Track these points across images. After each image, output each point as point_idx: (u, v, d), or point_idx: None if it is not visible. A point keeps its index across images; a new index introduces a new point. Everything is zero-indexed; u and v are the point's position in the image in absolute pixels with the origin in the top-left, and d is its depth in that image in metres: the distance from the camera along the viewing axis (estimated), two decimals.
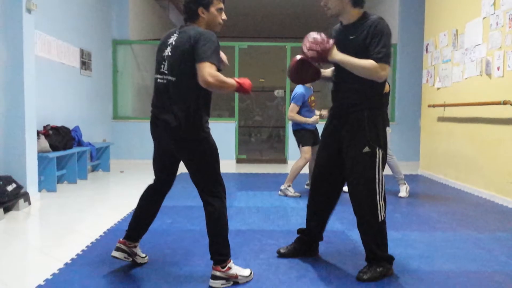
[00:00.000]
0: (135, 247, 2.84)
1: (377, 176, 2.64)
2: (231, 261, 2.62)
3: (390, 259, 2.74)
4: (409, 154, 8.03)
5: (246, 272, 2.66)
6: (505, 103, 4.78)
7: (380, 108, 2.73)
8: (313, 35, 2.61)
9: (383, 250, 2.71)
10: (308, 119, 5.17)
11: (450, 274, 2.81)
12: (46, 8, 5.67)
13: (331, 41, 2.59)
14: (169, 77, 2.52)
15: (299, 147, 5.32)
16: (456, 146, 6.13)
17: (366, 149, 2.63)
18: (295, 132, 5.37)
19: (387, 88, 5.10)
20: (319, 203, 2.99)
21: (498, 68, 5.05)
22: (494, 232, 3.79)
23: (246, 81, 2.59)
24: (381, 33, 2.56)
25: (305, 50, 2.63)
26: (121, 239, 2.81)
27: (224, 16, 2.66)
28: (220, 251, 2.58)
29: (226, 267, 2.57)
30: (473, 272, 2.85)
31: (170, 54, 2.53)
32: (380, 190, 2.66)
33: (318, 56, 2.60)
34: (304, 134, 5.25)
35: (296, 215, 4.31)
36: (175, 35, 2.57)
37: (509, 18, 4.85)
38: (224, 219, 2.59)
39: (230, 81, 2.48)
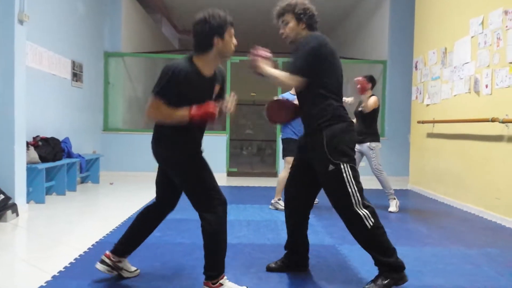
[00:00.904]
0: (120, 262, 2.80)
1: (349, 189, 2.66)
2: (225, 277, 2.57)
3: (399, 266, 2.69)
4: (399, 169, 8.07)
5: None
6: (493, 120, 4.85)
7: (338, 124, 2.72)
8: (255, 50, 2.75)
9: (387, 255, 2.67)
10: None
11: None
12: (38, 19, 5.67)
13: (265, 58, 2.72)
14: None
15: (283, 157, 5.34)
16: (445, 162, 6.18)
17: (331, 167, 2.68)
18: (282, 141, 5.39)
19: (376, 103, 5.15)
20: (293, 216, 3.02)
21: (486, 86, 5.13)
22: (483, 247, 3.82)
23: (204, 110, 2.43)
24: (302, 46, 2.71)
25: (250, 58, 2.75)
26: (107, 252, 2.78)
27: (235, 41, 2.60)
28: (212, 267, 2.53)
29: (217, 284, 2.52)
30: None
31: None
32: (357, 200, 2.66)
33: (251, 65, 2.73)
34: (289, 144, 5.26)
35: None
36: None
37: (497, 37, 4.95)
38: (220, 235, 2.54)
39: (178, 114, 2.43)
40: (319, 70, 2.68)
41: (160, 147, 2.60)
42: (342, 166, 2.67)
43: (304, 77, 2.67)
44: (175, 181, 2.64)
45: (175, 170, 2.60)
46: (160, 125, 2.58)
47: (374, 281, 2.69)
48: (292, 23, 2.82)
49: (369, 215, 2.66)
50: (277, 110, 3.00)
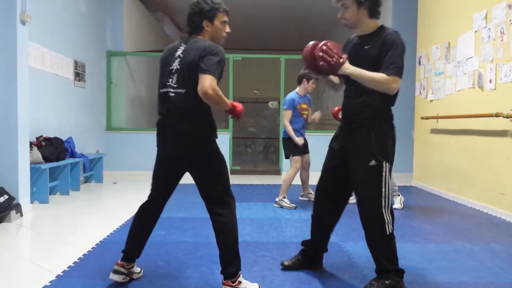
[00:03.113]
0: (132, 267, 2.79)
1: (383, 190, 2.62)
2: (241, 275, 2.58)
3: (401, 272, 2.70)
4: (403, 166, 8.03)
5: (254, 286, 2.61)
6: (497, 115, 4.82)
7: (388, 122, 2.73)
8: (329, 46, 2.55)
9: (393, 263, 2.67)
10: (295, 138, 5.23)
11: (444, 285, 2.81)
12: (40, 19, 5.67)
13: (345, 56, 2.57)
14: (179, 90, 2.50)
15: (288, 156, 5.35)
16: (449, 158, 6.16)
17: (373, 162, 2.61)
18: (285, 140, 5.42)
19: None
20: (324, 213, 2.97)
21: (490, 81, 5.10)
22: (487, 243, 3.80)
23: (239, 106, 2.60)
24: (394, 46, 2.57)
25: (317, 59, 2.54)
26: (118, 262, 2.74)
27: (228, 29, 2.65)
28: (231, 265, 2.54)
29: (237, 282, 2.53)
30: (467, 284, 2.85)
31: (178, 67, 2.51)
32: (386, 203, 2.63)
33: (329, 68, 2.56)
34: (294, 144, 5.28)
35: (291, 227, 4.30)
36: (181, 47, 2.55)
37: (500, 32, 4.92)
38: (235, 231, 2.58)
39: (226, 100, 2.47)
40: None
41: (201, 135, 2.53)
42: (384, 165, 2.62)
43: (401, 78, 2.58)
44: (198, 176, 2.59)
45: (210, 160, 2.55)
46: (200, 113, 2.51)
47: (377, 280, 2.68)
48: (352, 8, 2.63)
49: (391, 222, 2.64)
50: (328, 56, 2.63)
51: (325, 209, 2.96)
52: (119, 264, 2.73)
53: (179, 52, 2.54)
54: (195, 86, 2.42)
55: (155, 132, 2.67)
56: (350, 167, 2.73)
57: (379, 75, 2.53)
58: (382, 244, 2.65)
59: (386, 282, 2.64)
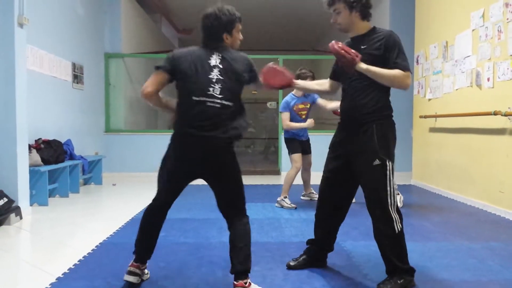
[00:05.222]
0: (145, 268, 2.81)
1: (388, 188, 2.64)
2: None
3: (411, 270, 2.71)
4: (402, 165, 8.03)
5: None
6: (495, 113, 4.83)
7: (388, 120, 2.76)
8: (341, 44, 2.59)
9: (404, 262, 2.68)
10: (302, 123, 5.23)
11: (445, 284, 2.81)
12: (38, 22, 5.67)
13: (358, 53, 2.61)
14: (225, 102, 2.49)
15: (289, 154, 5.38)
16: (448, 156, 6.16)
17: (377, 161, 2.63)
18: (285, 140, 5.48)
19: None
20: (326, 213, 2.98)
21: (488, 79, 5.11)
22: (487, 241, 3.80)
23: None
24: (398, 44, 2.66)
25: (340, 53, 2.55)
26: (134, 263, 2.72)
27: (241, 36, 2.71)
28: (247, 265, 2.55)
29: (248, 283, 2.53)
30: (468, 282, 2.85)
31: (221, 78, 2.50)
32: (392, 202, 2.64)
33: (350, 62, 2.56)
34: (292, 143, 5.33)
35: (290, 227, 4.30)
36: (215, 56, 2.54)
37: (498, 30, 4.92)
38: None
39: None
40: None
41: (232, 151, 2.65)
42: (387, 163, 2.65)
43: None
44: (225, 184, 2.67)
45: (236, 171, 2.69)
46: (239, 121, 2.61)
47: (389, 280, 2.66)
48: (345, 12, 2.68)
49: (399, 220, 2.65)
50: (273, 75, 2.89)
51: (329, 211, 2.97)
52: (134, 266, 2.71)
53: (214, 62, 2.53)
54: (238, 97, 2.57)
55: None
56: (354, 168, 2.74)
57: (396, 72, 2.59)
58: (392, 243, 2.65)
59: (399, 281, 2.63)
